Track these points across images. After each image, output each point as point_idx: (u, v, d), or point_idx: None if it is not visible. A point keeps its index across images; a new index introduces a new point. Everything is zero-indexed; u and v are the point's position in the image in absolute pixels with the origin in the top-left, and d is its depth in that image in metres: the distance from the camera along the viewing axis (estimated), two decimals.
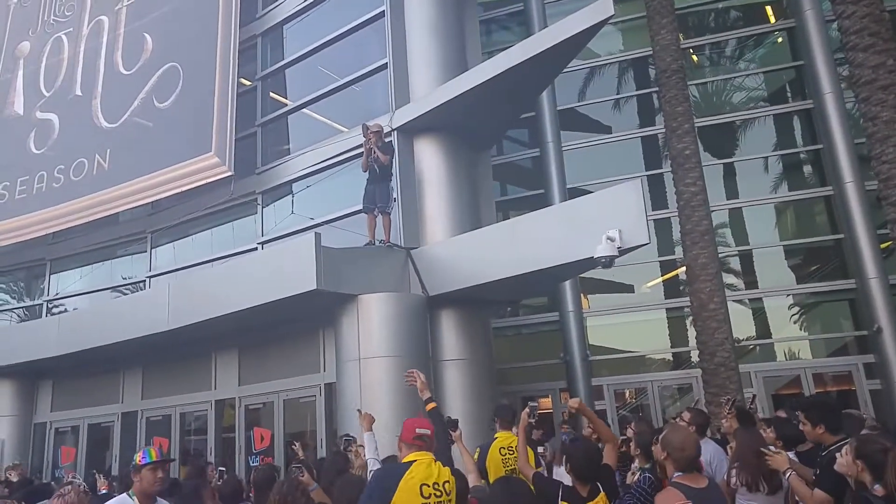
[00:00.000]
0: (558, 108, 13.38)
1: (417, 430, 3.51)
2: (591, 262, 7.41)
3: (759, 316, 12.57)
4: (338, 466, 5.13)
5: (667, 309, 12.82)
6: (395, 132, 9.48)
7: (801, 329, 12.54)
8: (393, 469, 3.49)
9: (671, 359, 12.72)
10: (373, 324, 8.24)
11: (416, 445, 3.46)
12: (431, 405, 4.16)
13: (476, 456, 5.24)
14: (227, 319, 8.80)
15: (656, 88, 11.58)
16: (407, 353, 8.21)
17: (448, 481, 3.44)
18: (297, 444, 6.15)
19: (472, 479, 4.37)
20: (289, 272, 8.05)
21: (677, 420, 5.61)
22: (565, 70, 10.54)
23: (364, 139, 8.78)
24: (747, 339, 12.18)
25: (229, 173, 10.61)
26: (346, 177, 10.10)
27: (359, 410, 4.73)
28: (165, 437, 10.92)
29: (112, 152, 12.34)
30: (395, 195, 9.06)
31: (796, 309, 12.59)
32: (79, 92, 13.43)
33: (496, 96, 9.16)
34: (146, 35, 12.70)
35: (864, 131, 8.05)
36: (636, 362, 12.95)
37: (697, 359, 10.86)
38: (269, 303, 8.20)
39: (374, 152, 8.74)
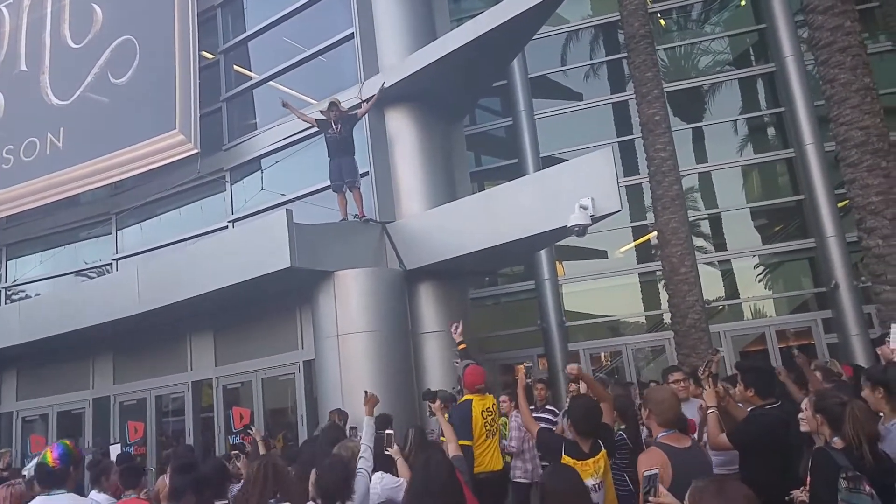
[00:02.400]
0: (530, 76, 13.30)
1: (476, 386, 5.50)
2: (565, 231, 7.49)
3: (728, 277, 12.91)
4: (332, 437, 5.05)
5: (639, 273, 13.08)
6: (365, 103, 9.29)
7: (765, 288, 12.96)
8: (463, 405, 5.46)
9: (644, 322, 13.00)
10: (350, 300, 8.20)
11: (474, 391, 5.47)
12: (462, 346, 6.21)
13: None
14: (200, 300, 8.64)
15: (626, 54, 11.57)
16: (386, 328, 8.21)
17: (494, 404, 5.61)
18: (253, 427, 6.08)
19: (452, 449, 4.44)
20: (261, 251, 7.91)
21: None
22: (535, 36, 10.42)
23: (334, 114, 8.59)
24: (716, 300, 12.48)
25: (195, 150, 10.28)
26: (317, 150, 9.87)
27: (365, 392, 4.73)
28: (141, 420, 10.77)
29: (66, 131, 11.84)
30: (360, 168, 8.91)
31: (761, 269, 12.97)
32: (24, 67, 12.79)
33: (467, 64, 9.03)
34: (95, 6, 12.07)
35: (823, 93, 8.19)
36: (611, 326, 13.21)
37: (670, 321, 11.14)
38: (243, 282, 8.06)
39: (335, 126, 8.59)
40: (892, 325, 4.38)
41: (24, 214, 12.56)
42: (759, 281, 13.07)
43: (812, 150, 11.65)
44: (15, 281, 13.46)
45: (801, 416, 3.45)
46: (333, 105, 8.62)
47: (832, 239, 11.40)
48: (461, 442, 4.85)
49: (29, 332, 10.29)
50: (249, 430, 6.02)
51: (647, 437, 4.70)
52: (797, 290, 12.69)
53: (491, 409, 5.55)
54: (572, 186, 7.38)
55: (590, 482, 3.81)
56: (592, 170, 7.42)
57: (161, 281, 8.98)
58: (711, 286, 12.30)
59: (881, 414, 3.50)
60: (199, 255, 9.04)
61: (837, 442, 3.10)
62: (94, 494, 4.64)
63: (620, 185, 7.40)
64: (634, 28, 10.21)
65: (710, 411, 4.03)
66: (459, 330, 6.21)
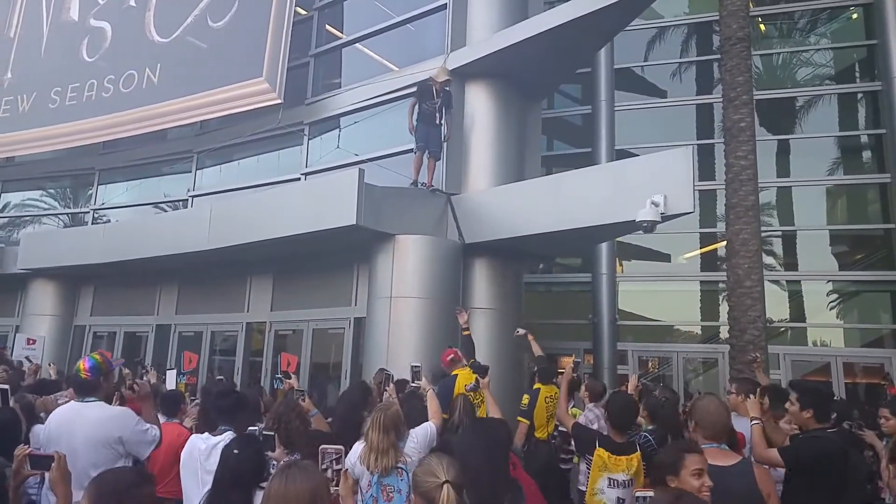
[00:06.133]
0: (615, 67, 13.02)
1: (449, 358, 6.05)
2: (632, 225, 7.33)
3: (795, 299, 12.41)
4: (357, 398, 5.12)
5: (701, 282, 12.73)
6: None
7: (837, 317, 12.37)
8: (448, 380, 5.72)
9: (699, 332, 12.68)
10: (407, 264, 8.31)
11: (454, 365, 5.88)
12: (466, 332, 6.63)
13: (526, 401, 6.23)
14: (266, 245, 8.96)
15: (717, 56, 11.17)
16: (438, 296, 8.30)
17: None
18: (293, 377, 6.27)
19: None
20: (330, 205, 8.11)
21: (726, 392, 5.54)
22: (626, 28, 10.20)
23: (439, 86, 8.68)
24: (780, 321, 12.03)
25: (278, 101, 10.60)
26: (394, 116, 10.04)
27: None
28: (196, 352, 11.29)
29: (162, 67, 12.38)
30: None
31: (835, 296, 12.39)
32: (132, 2, 13.39)
33: (555, 48, 8.93)
34: None
35: None
36: (663, 331, 12.95)
37: (726, 335, 10.78)
38: (308, 233, 8.32)
39: (436, 98, 8.69)
40: None
41: (117, 143, 13.28)
42: (831, 308, 12.49)
43: None
44: (103, 204, 14.26)
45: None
46: (448, 81, 8.73)
47: None
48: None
49: (109, 253, 10.90)
50: (289, 378, 6.12)
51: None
52: (873, 323, 12.06)
53: (554, 397, 6.15)
54: (646, 181, 7.23)
55: (620, 477, 3.84)
56: (669, 167, 7.25)
57: (232, 222, 9.34)
58: (776, 306, 11.86)
59: None
60: (270, 201, 9.34)
61: None
62: None
63: (695, 188, 7.21)
64: (732, 30, 9.74)
65: (754, 423, 3.80)
66: (465, 318, 6.85)
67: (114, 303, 12.69)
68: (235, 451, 2.95)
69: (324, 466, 3.01)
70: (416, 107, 8.84)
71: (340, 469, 2.96)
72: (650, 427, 5.07)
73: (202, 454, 3.55)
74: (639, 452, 3.99)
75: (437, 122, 8.82)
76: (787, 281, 12.40)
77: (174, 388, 7.16)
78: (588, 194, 7.78)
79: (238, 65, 11.27)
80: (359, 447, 3.53)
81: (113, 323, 12.63)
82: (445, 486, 2.07)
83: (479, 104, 9.52)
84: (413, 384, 4.80)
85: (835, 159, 12.48)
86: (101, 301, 12.92)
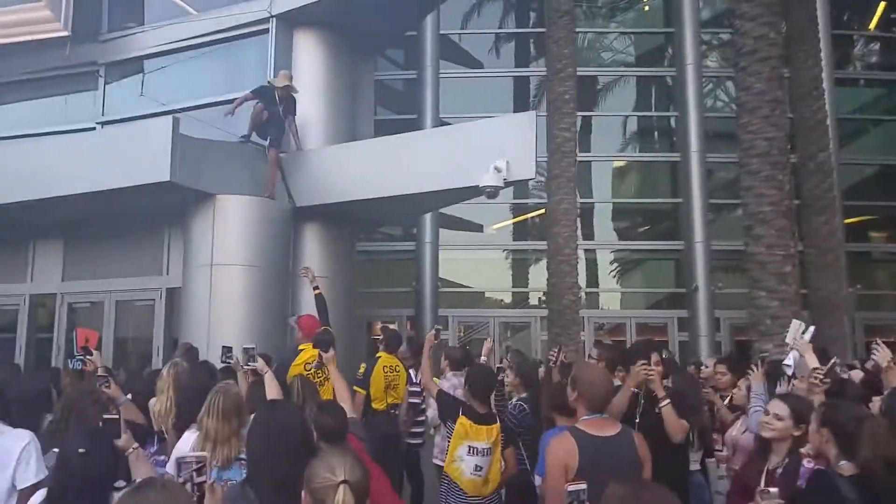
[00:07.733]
0: (441, 33, 13.02)
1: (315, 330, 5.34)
2: (474, 191, 7.35)
3: (591, 267, 13.59)
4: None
5: (513, 250, 13.41)
6: (274, 20, 8.56)
7: (627, 282, 13.83)
8: (290, 353, 5.46)
9: (511, 298, 13.38)
10: (230, 228, 7.61)
11: (306, 340, 5.33)
12: (318, 292, 5.93)
13: (363, 370, 5.54)
14: (55, 203, 7.59)
15: (537, 30, 11.66)
16: (266, 264, 7.74)
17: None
18: (94, 353, 5.22)
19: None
20: (138, 158, 7.12)
21: (587, 358, 5.64)
22: None
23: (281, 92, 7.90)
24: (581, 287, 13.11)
25: (64, 33, 8.94)
26: (207, 62, 9.05)
27: None
28: None
29: None
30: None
31: (627, 263, 13.80)
32: None
33: None
34: None
35: (736, 100, 8.30)
36: (479, 298, 13.46)
37: (536, 300, 11.50)
38: (111, 190, 7.19)
39: (279, 105, 7.96)
40: (793, 321, 4.19)
41: None
42: (623, 274, 13.92)
43: (696, 158, 12.45)
44: None
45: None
46: (289, 87, 7.97)
47: (699, 244, 12.29)
48: None
49: None
50: (90, 354, 5.07)
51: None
52: (658, 287, 13.63)
53: (394, 367, 5.65)
54: (488, 146, 7.24)
55: (480, 445, 3.80)
56: (512, 132, 7.34)
57: (8, 175, 7.72)
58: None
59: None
60: (62, 151, 7.95)
61: (846, 467, 2.58)
62: None
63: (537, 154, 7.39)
64: (559, 2, 10.21)
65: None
66: (313, 275, 6.01)
67: None
68: (82, 451, 2.32)
69: (181, 479, 2.43)
70: (255, 107, 7.94)
71: (203, 481, 2.41)
72: (524, 395, 5.02)
73: None
74: (498, 423, 3.95)
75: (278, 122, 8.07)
76: (584, 250, 13.48)
77: None
78: (431, 157, 7.66)
79: None
80: (191, 437, 3.06)
81: None
82: (342, 486, 1.75)
83: (308, 54, 8.87)
84: (247, 366, 4.19)
85: (630, 137, 13.82)
86: None
